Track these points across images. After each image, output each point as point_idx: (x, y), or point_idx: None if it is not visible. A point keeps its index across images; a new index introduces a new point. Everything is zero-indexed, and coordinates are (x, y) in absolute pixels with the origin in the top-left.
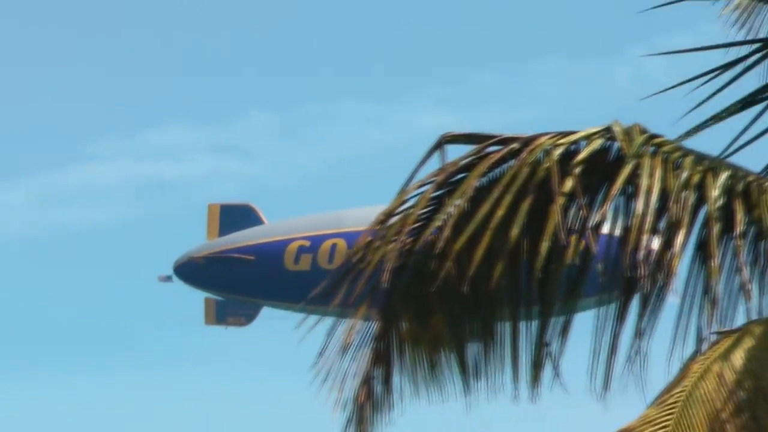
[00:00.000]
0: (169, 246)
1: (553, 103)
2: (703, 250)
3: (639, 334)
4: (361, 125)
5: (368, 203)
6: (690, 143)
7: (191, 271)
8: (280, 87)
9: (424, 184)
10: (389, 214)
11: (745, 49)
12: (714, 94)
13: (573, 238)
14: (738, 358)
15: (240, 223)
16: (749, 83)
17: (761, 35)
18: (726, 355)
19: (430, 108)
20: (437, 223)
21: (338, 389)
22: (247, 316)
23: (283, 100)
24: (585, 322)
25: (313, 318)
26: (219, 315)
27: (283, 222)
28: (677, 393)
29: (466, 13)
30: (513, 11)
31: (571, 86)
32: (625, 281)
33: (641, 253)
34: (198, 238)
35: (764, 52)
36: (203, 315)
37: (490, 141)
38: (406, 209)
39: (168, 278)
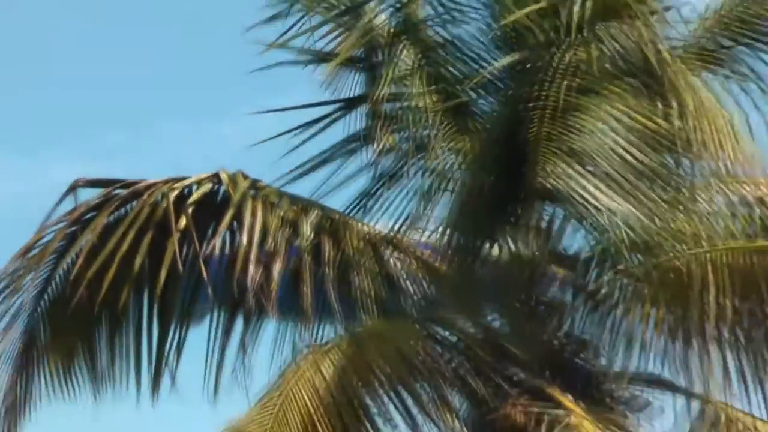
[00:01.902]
0: None
1: (174, 158)
2: (296, 277)
3: (243, 347)
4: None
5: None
6: (292, 188)
7: None
8: None
9: (59, 222)
10: (29, 248)
11: (331, 107)
12: (300, 144)
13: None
14: (326, 367)
15: None
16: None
17: (345, 95)
18: (316, 365)
19: (66, 162)
20: (71, 255)
21: None
22: None
23: None
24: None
25: None
26: None
27: None
28: (276, 396)
29: (95, 76)
30: (137, 73)
31: (188, 143)
32: (231, 302)
33: (247, 279)
34: None
35: (345, 109)
36: None
37: (116, 185)
38: (44, 243)
39: None
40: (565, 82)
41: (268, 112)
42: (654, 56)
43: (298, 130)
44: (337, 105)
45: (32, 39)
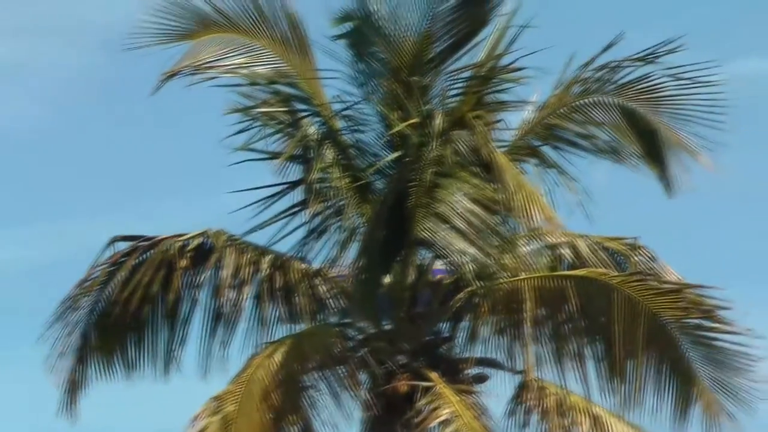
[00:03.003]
0: None
1: (182, 222)
2: (258, 298)
3: (223, 343)
4: None
5: None
6: (255, 239)
7: None
8: None
9: (103, 264)
10: (84, 281)
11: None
12: (261, 211)
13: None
14: (277, 357)
15: None
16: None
17: (289, 179)
18: (270, 355)
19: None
20: (111, 285)
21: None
22: None
23: None
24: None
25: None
26: None
27: None
28: (244, 376)
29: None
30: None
31: (188, 213)
32: (216, 314)
33: (223, 300)
34: None
35: (290, 188)
36: None
37: (141, 239)
38: (94, 277)
39: None
40: (431, 170)
41: (239, 191)
42: (487, 152)
43: (260, 203)
44: (284, 185)
45: None
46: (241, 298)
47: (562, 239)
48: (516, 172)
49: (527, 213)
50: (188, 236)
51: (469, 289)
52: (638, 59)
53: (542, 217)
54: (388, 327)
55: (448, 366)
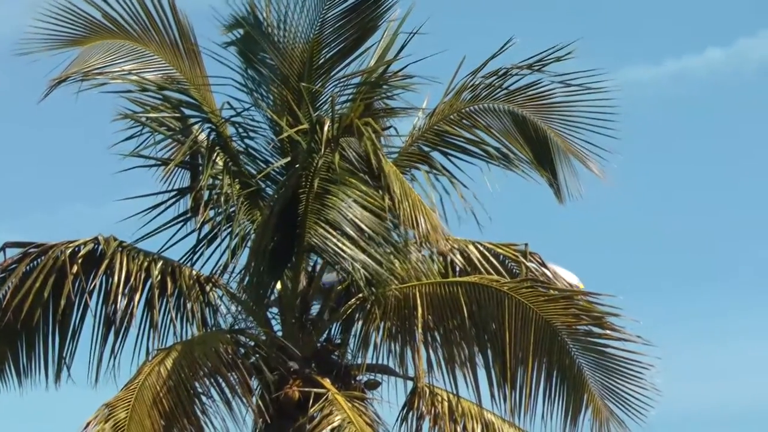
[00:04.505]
0: None
1: (78, 228)
2: (150, 305)
3: (113, 350)
4: None
5: None
6: (146, 246)
7: None
8: None
9: None
10: None
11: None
12: (154, 218)
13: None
14: (168, 363)
15: None
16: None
17: (180, 186)
18: (161, 362)
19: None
20: (2, 291)
21: None
22: None
23: None
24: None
25: None
26: None
27: None
28: (136, 382)
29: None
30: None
31: (87, 218)
32: (107, 321)
33: (115, 307)
34: None
35: (180, 195)
36: None
37: (31, 245)
38: None
39: None
40: (321, 176)
41: (129, 198)
42: (375, 160)
43: (151, 210)
44: (175, 192)
45: None
46: (132, 305)
47: (454, 245)
48: (402, 179)
49: (413, 221)
50: (79, 242)
51: (361, 295)
52: (528, 66)
53: (428, 225)
54: (279, 333)
55: (340, 372)
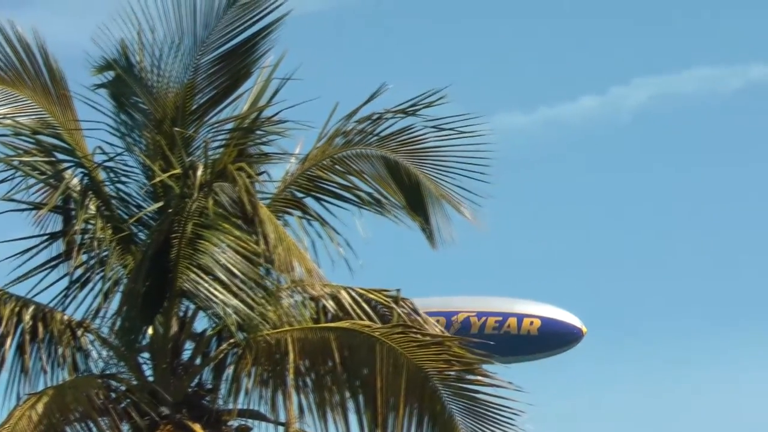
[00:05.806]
0: None
1: None
2: (21, 350)
3: None
4: None
5: None
6: (16, 290)
7: None
8: None
9: None
10: None
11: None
12: (25, 262)
13: None
14: (39, 407)
15: None
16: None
17: (51, 230)
18: (32, 406)
19: None
20: None
21: None
22: None
23: None
24: None
25: None
26: None
27: None
28: (7, 427)
29: None
30: None
31: None
32: None
33: None
34: None
35: (51, 239)
36: None
37: None
38: None
39: None
40: (194, 221)
41: (0, 242)
42: (249, 204)
43: (22, 254)
44: (47, 236)
45: None
46: (3, 350)
47: (326, 291)
48: (277, 224)
49: (288, 265)
50: None
51: (232, 340)
52: (400, 111)
53: (302, 269)
54: (151, 378)
55: (211, 418)
